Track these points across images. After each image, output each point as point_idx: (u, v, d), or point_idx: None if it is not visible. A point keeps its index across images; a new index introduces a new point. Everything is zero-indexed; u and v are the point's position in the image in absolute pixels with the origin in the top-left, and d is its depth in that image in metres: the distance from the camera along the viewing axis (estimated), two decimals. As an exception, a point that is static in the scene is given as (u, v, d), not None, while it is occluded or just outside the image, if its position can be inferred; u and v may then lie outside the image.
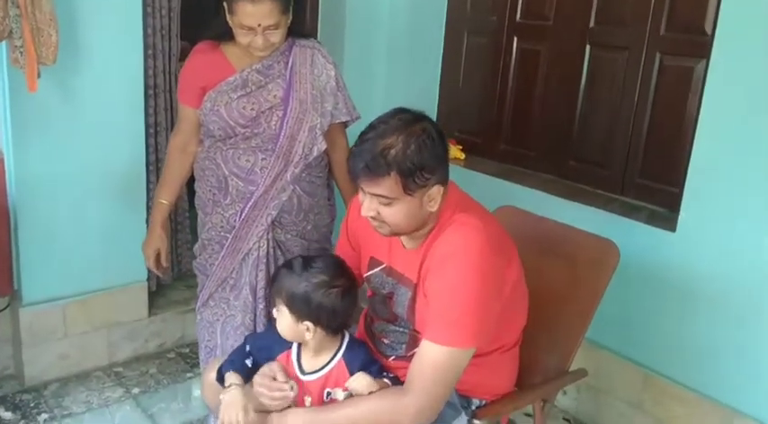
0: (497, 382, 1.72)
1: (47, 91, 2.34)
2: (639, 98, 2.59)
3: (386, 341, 1.70)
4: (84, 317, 2.71)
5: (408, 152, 1.45)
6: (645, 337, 2.46)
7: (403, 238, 1.64)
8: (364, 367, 1.58)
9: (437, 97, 3.35)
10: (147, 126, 2.75)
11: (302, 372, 1.61)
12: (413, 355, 1.55)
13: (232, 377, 1.64)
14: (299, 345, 1.64)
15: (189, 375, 2.79)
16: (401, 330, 1.66)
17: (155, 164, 2.83)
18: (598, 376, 2.54)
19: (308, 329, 1.56)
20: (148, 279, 2.88)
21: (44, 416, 2.48)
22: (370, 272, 1.72)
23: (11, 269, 2.56)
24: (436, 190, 1.51)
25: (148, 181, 2.79)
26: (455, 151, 3.15)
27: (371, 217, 1.54)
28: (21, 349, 2.60)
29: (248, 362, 1.67)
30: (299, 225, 2.12)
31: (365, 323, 1.80)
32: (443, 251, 1.52)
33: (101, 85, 2.51)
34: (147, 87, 2.71)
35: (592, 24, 2.72)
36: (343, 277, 1.60)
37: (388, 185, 1.47)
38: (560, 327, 1.89)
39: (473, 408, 1.67)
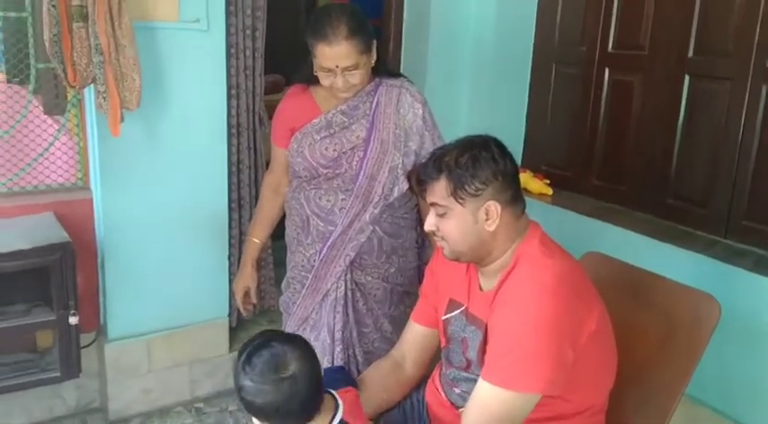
0: (579, 452, 1.57)
1: (132, 133, 2.40)
2: (745, 132, 2.38)
3: (457, 391, 1.60)
4: (168, 352, 2.74)
5: (461, 159, 1.47)
6: (750, 396, 2.23)
7: (480, 277, 1.55)
8: None
9: (524, 129, 3.23)
10: (230, 164, 2.77)
11: None
12: None
13: None
14: None
15: (267, 414, 2.77)
16: (474, 377, 1.53)
17: (237, 202, 2.85)
18: (699, 436, 2.33)
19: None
20: (229, 315, 2.89)
21: (125, 452, 2.52)
22: (449, 315, 1.62)
23: (97, 305, 2.63)
24: (493, 207, 1.46)
25: (230, 219, 2.81)
26: (542, 186, 3.02)
27: (432, 233, 1.54)
28: (106, 384, 2.66)
29: None
30: (380, 267, 2.06)
31: (439, 373, 1.70)
32: (513, 288, 1.43)
33: (185, 126, 2.56)
34: (230, 126, 2.74)
35: (690, 54, 2.54)
36: (291, 358, 1.38)
37: (439, 190, 1.48)
38: (654, 387, 1.72)
39: None
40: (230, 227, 2.81)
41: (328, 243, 2.02)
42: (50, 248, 2.22)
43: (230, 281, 2.84)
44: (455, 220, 1.48)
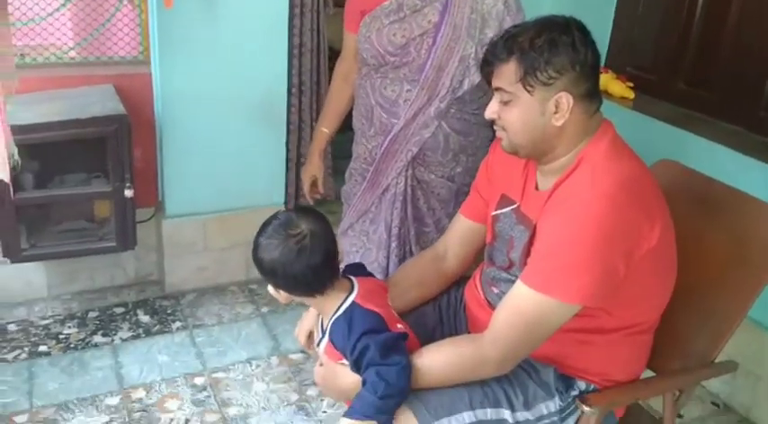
0: (614, 368, 1.46)
1: (191, 8, 2.32)
2: None
3: (495, 291, 1.51)
4: (223, 233, 2.77)
5: (537, 41, 1.29)
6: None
7: (538, 175, 1.43)
8: (342, 349, 1.38)
9: (610, 26, 2.97)
10: (291, 46, 2.67)
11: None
12: None
13: None
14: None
15: (317, 300, 2.80)
16: (514, 278, 1.44)
17: (297, 87, 2.77)
18: (760, 362, 2.20)
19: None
20: (285, 203, 2.88)
21: (177, 324, 2.60)
22: (499, 211, 1.52)
23: (156, 182, 2.65)
24: (564, 100, 1.31)
25: (290, 104, 2.74)
26: (624, 89, 2.80)
27: (493, 121, 1.40)
28: (163, 258, 2.72)
29: None
30: (446, 165, 1.97)
31: (480, 271, 1.63)
32: (570, 190, 1.31)
33: (245, 4, 2.45)
34: (292, 6, 2.62)
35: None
36: (303, 221, 1.37)
37: (507, 73, 1.32)
38: (713, 310, 1.59)
39: (575, 392, 1.45)
40: (289, 113, 2.74)
41: (390, 137, 1.93)
42: (106, 120, 2.22)
43: (287, 168, 2.82)
44: (520, 109, 1.33)
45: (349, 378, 1.39)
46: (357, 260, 2.10)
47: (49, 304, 2.64)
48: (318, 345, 1.49)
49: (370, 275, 1.60)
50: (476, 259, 1.72)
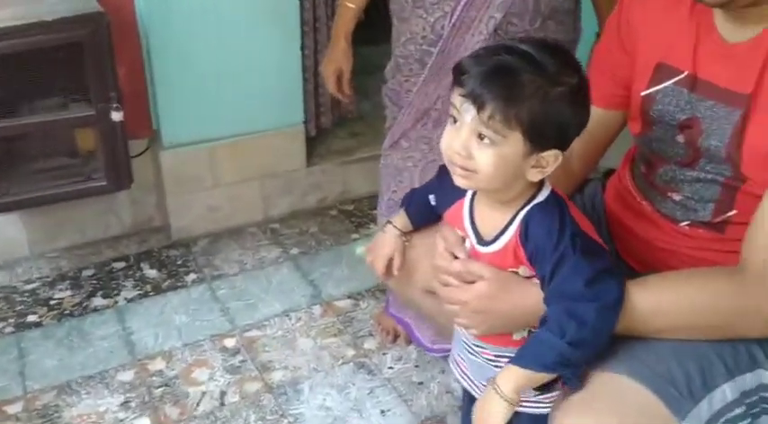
0: None
1: None
2: None
3: (676, 198, 1.07)
4: (234, 164, 2.29)
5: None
6: None
7: (720, 23, 0.98)
8: (537, 247, 0.94)
9: None
10: None
11: (480, 240, 1.01)
12: (724, 222, 0.97)
13: (398, 219, 1.22)
14: (474, 194, 1.03)
15: (354, 236, 2.35)
16: (710, 176, 1.02)
17: (311, -24, 2.25)
18: None
19: (546, 163, 0.93)
20: (306, 123, 2.40)
21: (192, 276, 2.14)
22: (656, 88, 1.06)
23: (148, 105, 2.15)
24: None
25: (303, 1, 2.23)
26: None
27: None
28: (165, 199, 2.25)
29: (432, 199, 1.14)
30: (533, 36, 1.47)
31: (631, 174, 1.18)
32: None
33: None
34: None
35: None
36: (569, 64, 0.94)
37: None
38: None
39: None
40: (302, 9, 2.23)
41: (463, 1, 1.44)
42: (79, 20, 1.71)
43: (305, 79, 2.33)
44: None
45: (534, 294, 0.96)
46: (417, 176, 1.65)
47: (33, 264, 2.17)
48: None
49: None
50: (602, 154, 1.28)
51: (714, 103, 0.98)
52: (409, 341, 1.85)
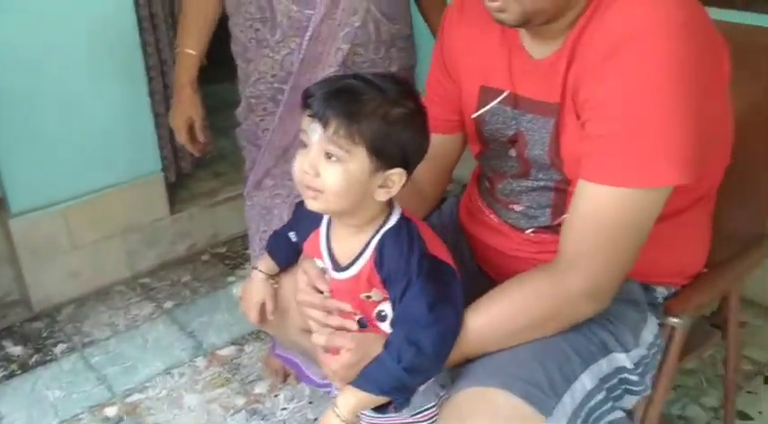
0: (690, 255, 1.15)
1: None
2: None
3: (517, 209, 1.13)
4: (92, 223, 2.18)
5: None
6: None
7: (527, 43, 1.04)
8: (391, 271, 0.97)
9: None
10: (131, -32, 2.09)
11: (336, 266, 1.03)
12: (561, 224, 1.01)
13: (263, 263, 1.21)
14: (330, 221, 1.05)
15: (231, 278, 2.30)
16: (542, 184, 1.08)
17: (149, 20, 2.19)
18: None
19: (392, 183, 0.95)
20: (164, 170, 2.32)
21: (61, 347, 2.01)
22: (483, 109, 1.12)
23: (-12, 172, 2.02)
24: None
25: (145, 44, 2.17)
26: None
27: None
28: (21, 269, 2.10)
29: (292, 236, 1.16)
30: (379, 65, 1.50)
31: (478, 190, 1.24)
32: (610, 36, 0.91)
33: None
34: None
35: None
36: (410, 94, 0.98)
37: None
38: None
39: (660, 301, 1.12)
40: (146, 55, 2.17)
41: (308, 34, 1.44)
42: None
43: (156, 124, 2.26)
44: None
45: None
46: (285, 213, 1.64)
47: None
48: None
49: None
50: (450, 174, 1.33)
51: (533, 116, 1.05)
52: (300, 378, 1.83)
